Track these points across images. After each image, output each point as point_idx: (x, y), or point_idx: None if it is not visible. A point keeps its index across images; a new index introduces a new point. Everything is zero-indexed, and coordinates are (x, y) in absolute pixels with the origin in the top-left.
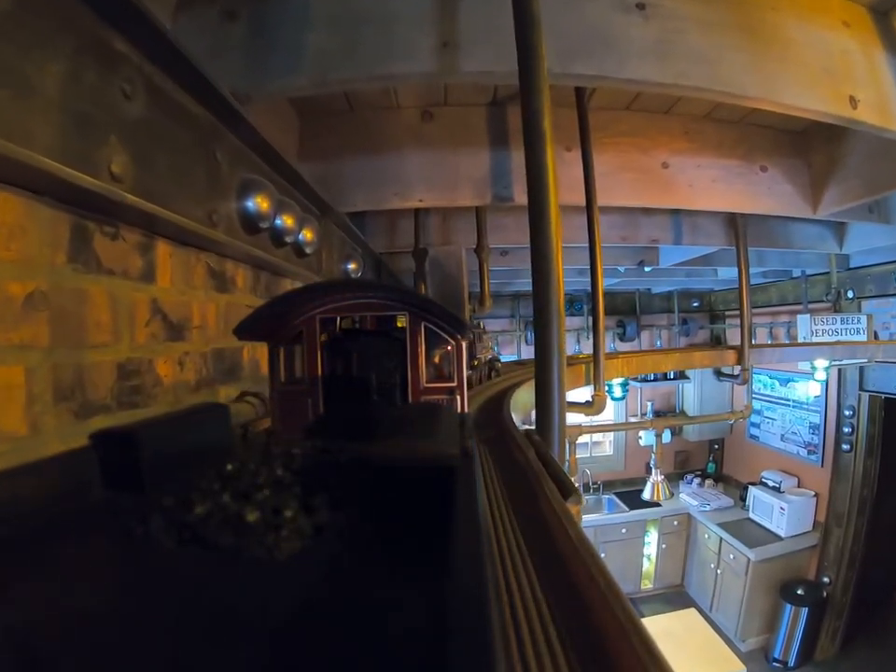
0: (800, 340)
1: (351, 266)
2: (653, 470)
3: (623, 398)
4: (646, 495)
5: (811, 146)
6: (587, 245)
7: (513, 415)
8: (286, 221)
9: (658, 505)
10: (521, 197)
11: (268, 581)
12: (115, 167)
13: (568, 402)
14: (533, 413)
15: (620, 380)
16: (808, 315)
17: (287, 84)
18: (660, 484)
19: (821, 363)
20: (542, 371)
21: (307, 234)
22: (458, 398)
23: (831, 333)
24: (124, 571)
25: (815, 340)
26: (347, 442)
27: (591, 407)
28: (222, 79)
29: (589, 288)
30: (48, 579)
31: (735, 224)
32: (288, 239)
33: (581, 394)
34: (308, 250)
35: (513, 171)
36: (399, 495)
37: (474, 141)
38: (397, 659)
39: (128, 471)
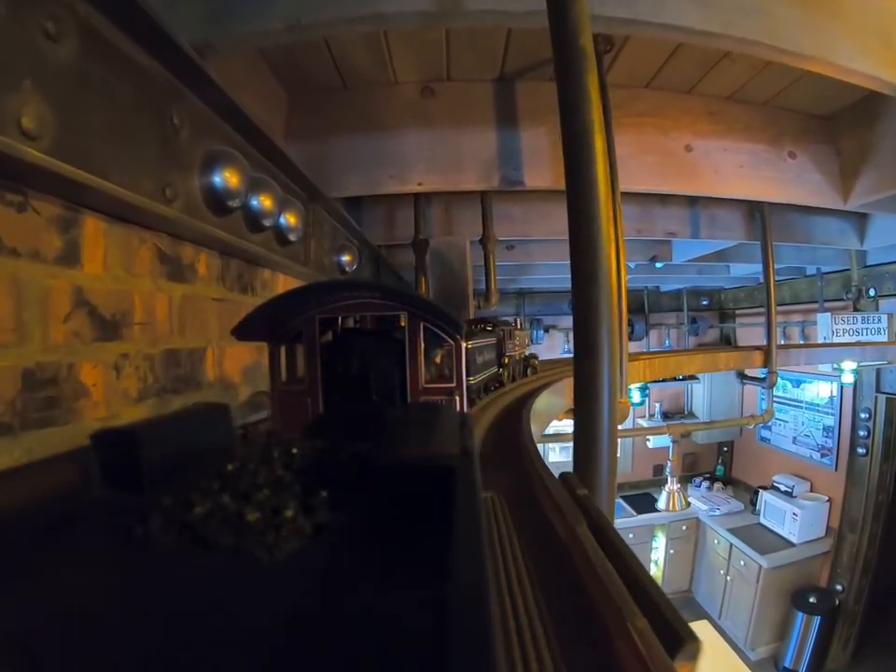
0: (819, 340)
1: (345, 258)
2: (669, 479)
3: (641, 403)
4: (661, 504)
5: (840, 131)
6: None
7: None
8: (262, 202)
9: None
10: (532, 180)
11: (267, 580)
12: (27, 121)
13: None
14: (550, 423)
15: (638, 384)
16: (829, 314)
17: (256, 29)
18: (676, 493)
19: (849, 365)
20: (587, 398)
21: (290, 219)
22: (457, 398)
23: (851, 333)
24: (124, 571)
25: (835, 340)
26: (347, 442)
27: None
28: (182, 31)
29: None
30: (47, 579)
31: (763, 214)
32: (267, 223)
33: None
34: (292, 237)
35: (523, 152)
36: (399, 495)
37: (480, 119)
38: (396, 660)
39: (128, 471)
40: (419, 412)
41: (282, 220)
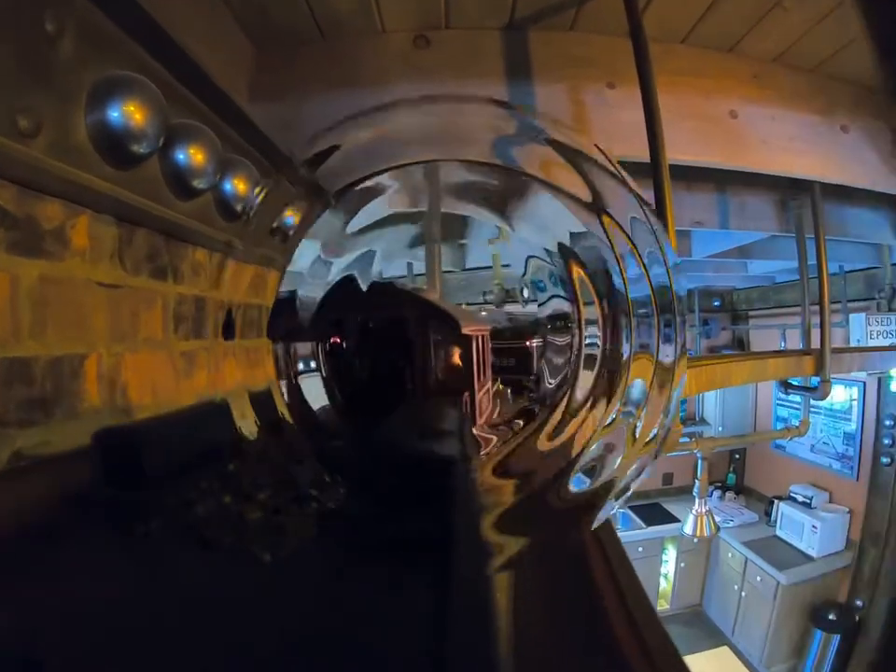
0: (852, 343)
1: None
2: (696, 501)
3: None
4: (687, 529)
5: (892, 105)
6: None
7: None
8: (193, 156)
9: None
10: None
11: (267, 580)
12: None
13: None
14: None
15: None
16: (863, 315)
17: None
18: (704, 517)
19: None
20: None
21: (238, 185)
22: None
23: (885, 335)
24: (125, 570)
25: (870, 342)
26: (346, 441)
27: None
28: None
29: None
30: (48, 578)
31: (814, 198)
32: (199, 184)
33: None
34: (240, 208)
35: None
36: (401, 493)
37: (485, 73)
38: (396, 661)
39: (129, 470)
40: (427, 411)
41: (227, 186)
